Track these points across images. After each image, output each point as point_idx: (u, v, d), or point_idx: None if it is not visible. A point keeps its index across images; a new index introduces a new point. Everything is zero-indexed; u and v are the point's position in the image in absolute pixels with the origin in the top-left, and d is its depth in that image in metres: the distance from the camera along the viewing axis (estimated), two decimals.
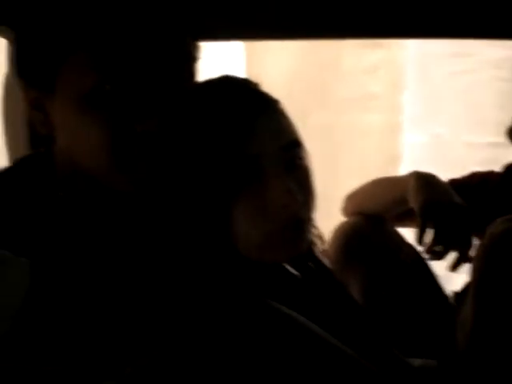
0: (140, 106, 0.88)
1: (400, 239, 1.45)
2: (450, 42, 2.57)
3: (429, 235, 1.24)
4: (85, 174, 0.93)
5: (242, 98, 0.95)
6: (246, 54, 2.65)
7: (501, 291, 1.10)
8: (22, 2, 0.92)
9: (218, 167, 0.92)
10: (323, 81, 2.79)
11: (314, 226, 1.05)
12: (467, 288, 1.25)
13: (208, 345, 0.81)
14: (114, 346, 0.82)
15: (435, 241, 1.23)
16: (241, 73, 2.51)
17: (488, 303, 1.12)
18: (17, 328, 0.75)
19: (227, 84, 0.99)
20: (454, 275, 1.30)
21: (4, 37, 1.36)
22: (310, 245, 1.05)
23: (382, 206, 1.42)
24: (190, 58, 0.94)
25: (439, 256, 1.24)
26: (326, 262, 1.10)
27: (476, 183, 1.41)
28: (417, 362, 1.14)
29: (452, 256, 1.24)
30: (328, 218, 1.20)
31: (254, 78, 1.02)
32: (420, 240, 1.24)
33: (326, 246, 1.13)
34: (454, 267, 1.24)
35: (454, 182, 1.40)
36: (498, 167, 1.46)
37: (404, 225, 1.47)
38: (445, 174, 1.39)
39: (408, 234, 1.48)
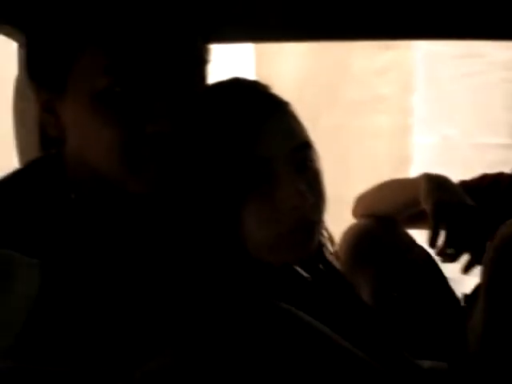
0: (151, 108, 0.88)
1: (410, 241, 1.45)
2: (460, 44, 2.56)
3: (441, 237, 1.23)
4: (96, 175, 0.93)
5: (252, 100, 0.95)
6: (255, 56, 2.65)
7: (511, 293, 1.10)
8: (32, 3, 0.92)
9: (228, 169, 0.92)
10: (333, 83, 2.79)
11: (325, 228, 1.05)
12: (478, 290, 1.25)
13: (217, 346, 0.81)
14: (124, 349, 0.82)
15: (447, 243, 1.23)
16: (251, 75, 2.51)
17: (499, 305, 1.11)
18: (28, 329, 0.76)
19: (237, 86, 0.99)
20: (464, 277, 1.30)
21: (15, 40, 1.36)
22: (320, 247, 1.05)
23: (392, 208, 1.42)
24: (201, 61, 0.94)
25: (451, 258, 1.24)
26: (336, 263, 1.10)
27: (486, 185, 1.41)
28: (427, 364, 1.14)
29: (464, 258, 1.24)
30: (338, 219, 1.20)
31: (264, 80, 1.02)
32: (432, 242, 1.24)
33: (337, 248, 1.13)
34: (467, 270, 1.24)
35: (464, 184, 1.39)
36: (507, 169, 1.45)
37: (414, 226, 1.47)
38: (454, 176, 1.38)
39: (418, 235, 1.47)
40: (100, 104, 0.87)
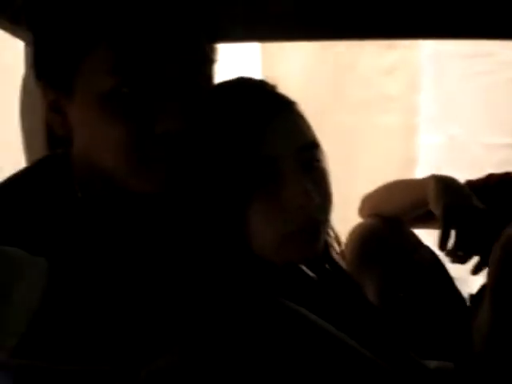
0: (158, 108, 0.88)
1: (416, 241, 1.45)
2: (467, 43, 2.56)
3: (450, 240, 1.24)
4: (103, 175, 0.93)
5: (259, 99, 0.95)
6: (262, 55, 2.65)
7: None
8: (40, 2, 0.92)
9: (234, 168, 0.92)
10: (339, 82, 2.79)
11: (331, 228, 1.05)
12: (483, 290, 1.25)
13: (224, 345, 0.81)
14: (130, 347, 0.83)
15: (457, 246, 1.23)
16: (257, 74, 2.51)
17: (504, 305, 1.11)
18: (34, 328, 0.76)
19: (244, 86, 0.99)
20: (470, 277, 1.30)
21: (22, 39, 1.37)
22: (327, 246, 1.05)
23: (399, 209, 1.42)
24: (207, 60, 0.94)
25: (461, 260, 1.25)
26: (343, 263, 1.10)
27: (493, 185, 1.41)
28: (433, 364, 1.14)
29: (473, 260, 1.25)
30: (345, 219, 1.20)
31: (270, 79, 1.02)
32: (442, 246, 1.24)
33: (343, 248, 1.13)
34: (476, 272, 1.25)
35: (470, 184, 1.39)
36: None
37: (420, 226, 1.47)
38: (461, 176, 1.38)
39: (424, 235, 1.47)
40: (108, 104, 0.87)
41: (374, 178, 1.72)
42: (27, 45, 1.36)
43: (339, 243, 1.10)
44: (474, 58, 2.70)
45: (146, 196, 0.93)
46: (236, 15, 1.38)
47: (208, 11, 0.94)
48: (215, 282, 0.90)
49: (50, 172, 1.00)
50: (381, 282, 1.35)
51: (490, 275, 1.15)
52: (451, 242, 1.24)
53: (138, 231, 0.97)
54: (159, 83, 0.88)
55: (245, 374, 0.80)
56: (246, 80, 1.01)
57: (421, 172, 2.72)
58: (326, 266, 1.05)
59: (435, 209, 1.27)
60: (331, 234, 1.07)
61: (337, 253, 1.09)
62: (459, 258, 1.24)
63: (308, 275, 1.01)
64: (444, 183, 1.30)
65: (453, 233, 1.24)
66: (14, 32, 1.34)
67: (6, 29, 1.33)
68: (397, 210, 1.42)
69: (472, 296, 1.37)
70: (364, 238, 1.41)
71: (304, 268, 1.01)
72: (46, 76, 0.93)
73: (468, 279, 1.37)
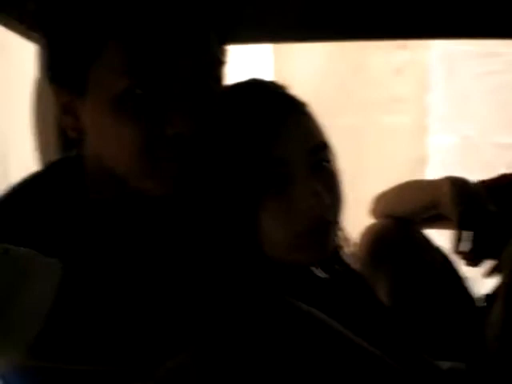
0: (170, 110, 0.88)
1: (428, 242, 1.45)
2: (478, 43, 2.55)
3: (465, 244, 1.24)
4: (115, 177, 0.94)
5: (270, 100, 0.96)
6: (273, 56, 2.65)
7: None
8: (51, 4, 0.92)
9: (245, 169, 0.93)
10: (350, 83, 2.79)
11: (341, 229, 1.05)
12: (497, 290, 1.25)
13: (237, 345, 0.82)
14: (145, 347, 0.83)
15: (472, 250, 1.23)
16: (269, 75, 2.51)
17: None
18: (48, 328, 0.76)
19: (255, 87, 0.99)
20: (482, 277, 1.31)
21: (34, 41, 1.37)
22: (337, 247, 1.05)
23: (410, 210, 1.41)
24: (218, 62, 0.94)
25: (475, 263, 1.25)
26: (354, 264, 1.10)
27: (505, 185, 1.41)
28: (446, 364, 1.14)
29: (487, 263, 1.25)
30: (355, 220, 1.20)
31: (281, 80, 1.02)
32: (457, 249, 1.24)
33: (354, 249, 1.13)
34: (490, 274, 1.25)
35: (482, 184, 1.39)
36: None
37: (431, 227, 1.47)
38: (473, 176, 1.38)
39: (435, 235, 1.47)
40: (119, 106, 0.88)
41: (384, 178, 1.72)
42: (40, 47, 1.37)
43: (350, 244, 1.10)
44: (485, 58, 2.70)
45: (158, 197, 0.94)
46: (247, 16, 1.38)
47: (219, 12, 0.94)
48: (227, 282, 0.91)
49: (63, 174, 1.00)
50: (393, 282, 1.35)
51: (503, 274, 1.15)
52: (465, 246, 1.24)
53: (150, 232, 0.98)
54: (171, 84, 0.88)
55: (256, 374, 0.81)
56: (257, 81, 1.01)
57: (432, 172, 2.72)
58: (337, 267, 1.05)
59: (450, 212, 1.27)
60: (342, 234, 1.07)
61: (348, 253, 1.09)
62: (473, 261, 1.25)
63: (319, 276, 1.01)
64: (459, 186, 1.30)
65: (467, 236, 1.24)
66: (27, 35, 1.35)
67: (18, 32, 1.34)
68: (409, 211, 1.42)
69: (486, 296, 1.37)
70: (376, 238, 1.40)
71: (315, 269, 1.01)
72: (58, 78, 0.93)
73: (480, 279, 1.37)
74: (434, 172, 2.73)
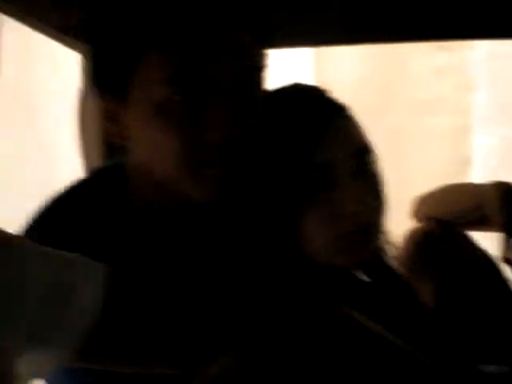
0: (211, 116, 0.88)
1: (472, 244, 1.43)
2: None
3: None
4: (158, 183, 0.95)
5: (312, 105, 0.96)
6: (313, 60, 2.65)
7: None
8: (96, 12, 0.94)
9: (288, 174, 0.93)
10: (391, 84, 2.78)
11: (385, 232, 1.04)
12: None
13: (281, 349, 0.82)
14: (189, 351, 0.84)
15: None
16: (309, 79, 2.51)
17: None
18: (96, 332, 0.77)
19: (297, 92, 1.00)
20: None
21: (78, 50, 1.40)
22: (381, 250, 1.05)
23: (455, 212, 1.40)
24: (259, 67, 0.95)
25: None
26: (397, 267, 1.09)
27: None
28: (489, 368, 1.13)
29: None
30: (399, 223, 1.19)
31: (322, 84, 1.02)
32: (505, 256, 1.23)
33: (397, 252, 1.12)
34: None
35: None
36: None
37: (475, 229, 1.45)
38: None
39: (479, 237, 1.45)
40: (161, 113, 0.88)
41: (427, 179, 1.71)
42: (83, 57, 1.39)
43: (393, 247, 1.10)
44: None
45: (202, 203, 0.94)
46: (287, 20, 1.38)
47: (259, 17, 0.95)
48: (271, 287, 0.91)
49: (107, 181, 1.01)
50: (437, 286, 1.34)
51: None
52: None
53: (194, 238, 0.99)
54: (211, 91, 0.89)
55: (301, 379, 0.81)
56: (298, 86, 1.01)
57: (476, 173, 2.69)
58: (380, 270, 1.05)
59: (497, 218, 1.26)
60: (385, 237, 1.06)
61: (391, 256, 1.09)
62: None
63: (361, 279, 1.01)
64: (508, 192, 1.29)
65: None
66: (71, 45, 1.37)
67: (62, 42, 1.36)
68: (453, 213, 1.40)
69: None
70: (420, 242, 1.39)
71: (358, 272, 1.01)
72: (101, 86, 0.94)
73: None
74: (478, 173, 2.70)
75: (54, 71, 2.32)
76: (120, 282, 0.81)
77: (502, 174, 1.34)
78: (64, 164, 2.28)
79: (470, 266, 1.36)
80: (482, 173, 2.70)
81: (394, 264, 1.08)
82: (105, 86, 0.94)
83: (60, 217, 0.97)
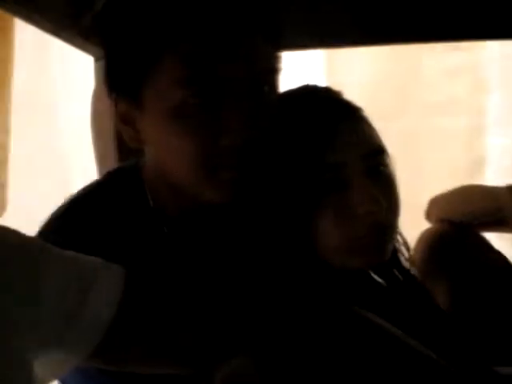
0: (226, 119, 0.89)
1: (487, 245, 1.43)
2: None
3: None
4: (174, 185, 0.95)
5: (325, 107, 0.96)
6: (326, 61, 2.65)
7: None
8: (108, 17, 0.94)
9: (302, 175, 0.93)
10: (405, 85, 2.76)
11: (399, 233, 1.04)
12: None
13: (295, 348, 0.82)
14: (208, 350, 0.84)
15: None
16: (321, 81, 2.51)
17: None
18: (113, 333, 0.78)
19: (309, 94, 1.00)
20: None
21: (91, 54, 1.40)
22: (395, 252, 1.05)
23: (471, 215, 1.39)
24: (273, 70, 0.95)
25: None
26: (412, 269, 1.09)
27: None
28: (506, 370, 1.12)
29: None
30: (413, 224, 1.19)
31: (334, 85, 1.02)
32: None
33: (411, 253, 1.12)
34: None
35: None
36: None
37: (490, 230, 1.44)
38: None
39: (494, 239, 1.45)
40: (176, 116, 0.89)
41: (442, 180, 1.70)
42: (96, 60, 1.40)
43: (407, 248, 1.09)
44: None
45: (218, 205, 0.95)
46: (300, 22, 1.38)
47: (273, 19, 0.95)
48: (285, 288, 0.91)
49: (122, 183, 1.02)
50: (451, 287, 1.33)
51: None
52: None
53: (210, 240, 0.99)
54: (226, 93, 0.89)
55: (315, 378, 0.81)
56: (311, 88, 1.01)
57: (490, 173, 2.68)
58: (395, 271, 1.05)
59: None
60: (399, 239, 1.06)
61: (405, 258, 1.08)
62: None
63: (376, 281, 1.00)
64: None
65: None
66: (84, 48, 1.38)
67: (76, 45, 1.37)
68: (468, 215, 1.40)
69: None
70: (434, 243, 1.39)
71: (372, 273, 1.01)
72: (116, 89, 0.95)
73: None
74: (493, 173, 2.69)
75: (69, 72, 2.33)
76: (136, 284, 0.81)
77: None
78: (79, 166, 2.29)
79: (484, 268, 1.36)
80: (496, 173, 2.68)
81: (409, 266, 1.08)
82: (120, 89, 0.94)
83: (76, 219, 0.97)
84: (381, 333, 0.84)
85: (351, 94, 1.01)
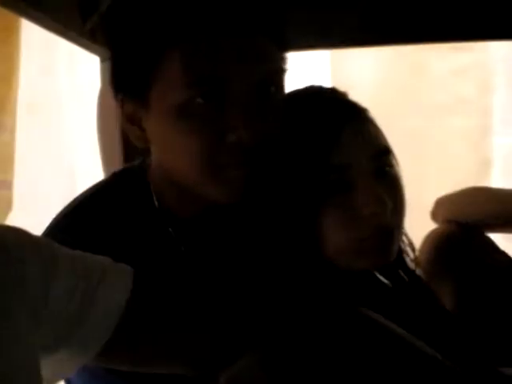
0: (232, 118, 0.89)
1: (493, 246, 1.42)
2: None
3: None
4: (180, 185, 0.95)
5: (330, 107, 0.96)
6: (331, 61, 2.65)
7: None
8: (112, 18, 0.94)
9: (307, 176, 0.93)
10: (411, 86, 2.76)
11: (404, 234, 1.04)
12: None
13: (301, 349, 0.82)
14: (216, 349, 0.84)
15: None
16: (327, 81, 2.51)
17: None
18: (120, 332, 0.78)
19: (314, 94, 1.00)
20: None
21: (97, 54, 1.41)
22: (401, 253, 1.05)
23: (478, 216, 1.39)
24: (279, 70, 0.95)
25: None
26: (417, 270, 1.09)
27: None
28: (511, 371, 1.12)
29: None
30: (419, 225, 1.19)
31: (340, 86, 1.02)
32: None
33: (417, 254, 1.12)
34: None
35: None
36: None
37: (496, 231, 1.44)
38: None
39: (499, 240, 1.45)
40: (181, 115, 0.89)
41: (448, 181, 1.70)
42: (103, 60, 1.40)
43: (413, 249, 1.09)
44: None
45: (224, 205, 0.95)
46: (306, 23, 1.38)
47: (278, 20, 0.95)
48: (291, 288, 0.91)
49: (128, 184, 1.02)
50: (457, 289, 1.33)
51: None
52: None
53: (215, 240, 0.99)
54: (232, 93, 0.89)
55: (322, 379, 0.81)
56: (316, 88, 1.01)
57: (497, 174, 2.68)
58: (400, 272, 1.05)
59: None
60: (405, 239, 1.06)
61: (411, 259, 1.08)
62: None
63: (382, 282, 1.00)
64: None
65: None
66: (90, 48, 1.38)
67: (82, 45, 1.37)
68: (476, 217, 1.39)
69: None
70: (440, 244, 1.39)
71: (378, 274, 1.01)
72: (122, 89, 0.95)
73: None
74: (498, 173, 2.69)
75: (75, 72, 2.34)
76: (143, 284, 0.81)
77: None
78: (84, 166, 2.29)
79: (490, 269, 1.36)
80: (502, 173, 2.68)
81: (414, 266, 1.08)
82: (126, 89, 0.94)
83: (84, 219, 0.98)
84: (386, 334, 0.84)
85: (357, 95, 1.01)
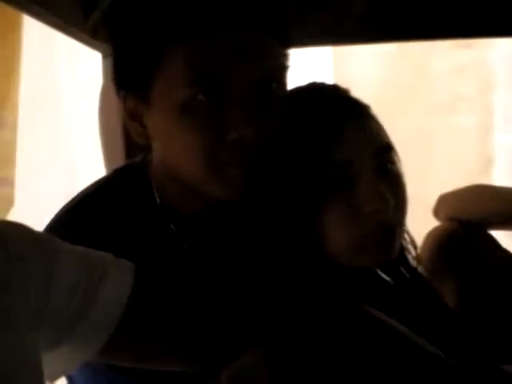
0: (234, 115, 0.89)
1: (495, 244, 1.42)
2: None
3: None
4: (181, 182, 0.95)
5: (332, 104, 0.95)
6: (333, 58, 2.65)
7: None
8: (115, 14, 0.94)
9: (309, 173, 0.93)
10: (412, 84, 2.76)
11: (406, 231, 1.04)
12: None
13: (304, 345, 0.82)
14: (216, 346, 0.84)
15: None
16: (329, 78, 2.51)
17: None
18: (121, 329, 0.78)
19: (316, 91, 0.99)
20: None
21: (99, 51, 1.41)
22: (402, 250, 1.04)
23: (480, 214, 1.39)
24: (281, 67, 0.95)
25: None
26: (419, 268, 1.09)
27: None
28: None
29: None
30: (421, 222, 1.18)
31: (342, 83, 1.02)
32: None
33: (419, 251, 1.12)
34: None
35: None
36: None
37: (498, 228, 1.44)
38: None
39: (502, 237, 1.45)
40: (183, 113, 0.89)
41: (450, 179, 1.70)
42: (105, 57, 1.40)
43: (415, 246, 1.09)
44: None
45: (226, 202, 0.95)
46: (308, 20, 1.38)
47: (281, 17, 0.95)
48: (294, 285, 0.91)
49: (129, 180, 1.02)
50: (459, 286, 1.33)
51: None
52: None
53: (217, 237, 0.99)
54: (234, 90, 0.89)
55: (325, 375, 0.81)
56: (318, 85, 1.01)
57: (499, 171, 2.68)
58: (402, 270, 1.05)
59: None
60: (407, 237, 1.06)
61: (413, 256, 1.08)
62: None
63: (384, 279, 1.00)
64: None
65: None
66: (92, 44, 1.38)
67: (84, 41, 1.37)
68: (478, 214, 1.39)
69: None
70: (442, 242, 1.39)
71: (379, 272, 1.00)
72: (124, 85, 0.95)
73: None
74: (500, 171, 2.69)
75: (77, 69, 2.34)
76: (145, 280, 0.81)
77: None
78: (86, 163, 2.29)
79: (492, 266, 1.36)
80: (504, 170, 2.68)
81: (416, 264, 1.08)
82: (128, 86, 0.94)
83: (86, 214, 0.98)
84: (388, 331, 0.84)
85: (358, 92, 1.00)
